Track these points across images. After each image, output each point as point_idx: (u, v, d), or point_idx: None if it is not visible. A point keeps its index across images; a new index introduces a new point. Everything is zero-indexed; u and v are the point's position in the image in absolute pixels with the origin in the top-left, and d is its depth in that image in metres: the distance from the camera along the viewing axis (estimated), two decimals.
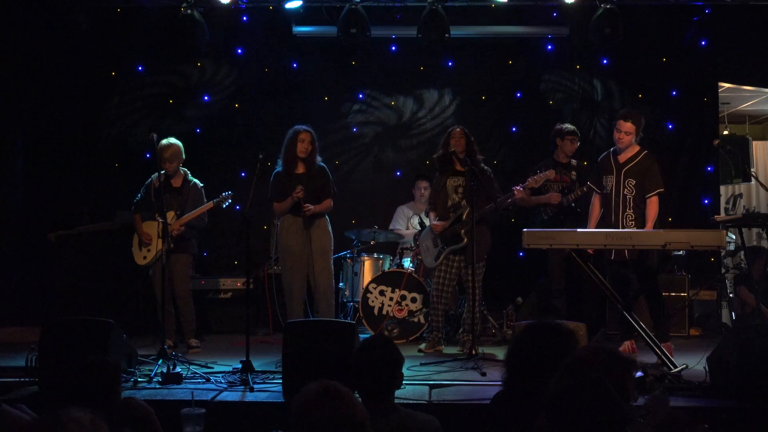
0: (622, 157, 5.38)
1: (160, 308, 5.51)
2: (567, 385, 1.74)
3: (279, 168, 5.75)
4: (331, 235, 5.78)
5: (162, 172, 5.50)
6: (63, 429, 1.68)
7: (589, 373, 1.75)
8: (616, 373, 1.79)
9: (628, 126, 5.28)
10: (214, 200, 5.80)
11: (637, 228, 5.20)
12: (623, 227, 5.25)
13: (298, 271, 5.65)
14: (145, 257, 5.85)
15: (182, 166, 5.96)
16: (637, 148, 5.37)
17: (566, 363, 1.85)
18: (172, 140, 5.86)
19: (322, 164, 5.80)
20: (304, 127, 5.73)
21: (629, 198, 5.31)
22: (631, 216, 5.30)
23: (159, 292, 5.47)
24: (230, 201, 5.82)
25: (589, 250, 5.25)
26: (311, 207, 5.55)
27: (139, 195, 5.95)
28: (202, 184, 6.03)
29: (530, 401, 2.28)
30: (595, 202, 5.58)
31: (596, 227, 5.45)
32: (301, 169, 5.71)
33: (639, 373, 3.78)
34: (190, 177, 5.99)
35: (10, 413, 2.50)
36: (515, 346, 2.48)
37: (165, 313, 5.56)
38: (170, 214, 5.78)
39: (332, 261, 5.82)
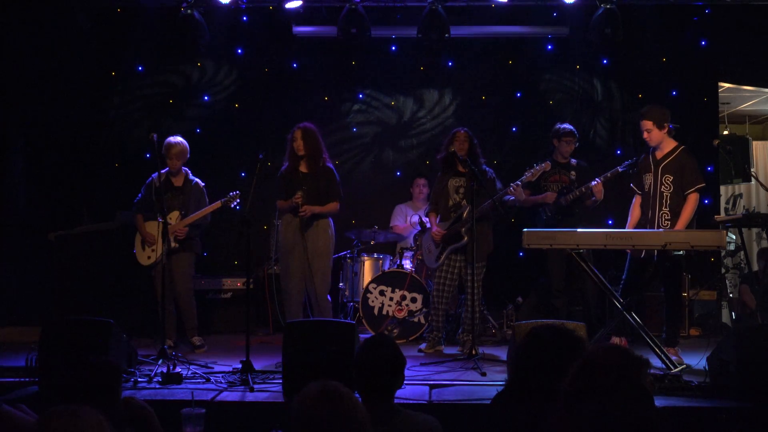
0: (659, 154, 5.32)
1: (160, 308, 5.50)
2: (593, 383, 1.73)
3: (283, 167, 5.74)
4: (331, 236, 5.71)
5: (165, 170, 5.50)
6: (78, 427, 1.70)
7: (620, 373, 1.74)
8: (630, 373, 1.78)
9: (645, 124, 5.27)
10: (222, 200, 5.78)
11: (672, 227, 5.14)
12: (658, 226, 5.19)
13: (295, 272, 5.59)
14: (149, 257, 5.82)
15: (184, 165, 5.96)
16: (673, 144, 5.32)
17: (579, 363, 1.84)
18: (180, 138, 5.87)
19: (329, 165, 5.73)
20: (299, 125, 5.69)
21: (666, 195, 5.23)
22: (667, 215, 5.21)
23: (159, 292, 5.46)
24: (239, 200, 5.78)
25: (628, 249, 5.21)
26: (306, 210, 5.50)
27: (139, 195, 5.94)
28: (203, 183, 6.03)
29: (534, 402, 2.28)
30: (635, 204, 5.48)
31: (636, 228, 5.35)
32: (303, 167, 5.66)
33: None
34: (191, 176, 5.99)
35: (10, 413, 2.50)
36: (521, 348, 2.48)
37: (165, 312, 5.56)
38: (175, 214, 5.78)
39: (330, 263, 5.75)
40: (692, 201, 5.19)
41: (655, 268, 5.24)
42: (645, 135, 5.32)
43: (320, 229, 5.64)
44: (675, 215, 5.21)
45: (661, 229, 5.12)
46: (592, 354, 1.86)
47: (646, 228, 5.26)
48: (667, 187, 5.25)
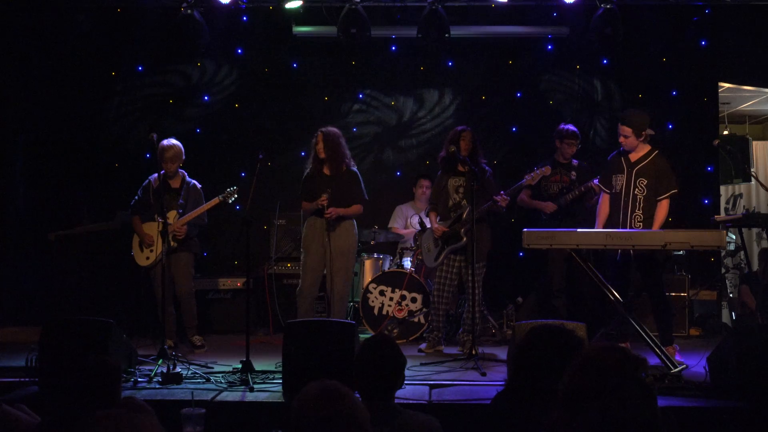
0: (633, 156, 5.31)
1: (160, 308, 5.50)
2: (592, 383, 1.73)
3: (307, 170, 5.82)
4: (355, 237, 5.77)
5: (162, 172, 5.50)
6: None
7: (621, 372, 1.74)
8: (628, 372, 1.78)
9: (624, 129, 5.25)
10: (220, 195, 5.79)
11: (644, 229, 5.14)
12: (630, 228, 5.18)
13: (311, 270, 5.67)
14: (148, 258, 5.82)
15: (181, 167, 5.96)
16: (648, 148, 5.31)
17: (577, 361, 1.84)
18: (174, 141, 5.85)
19: (353, 169, 5.81)
20: (321, 129, 5.77)
21: (640, 198, 5.24)
22: (640, 216, 5.22)
23: (159, 293, 5.46)
24: (236, 196, 5.81)
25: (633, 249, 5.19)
26: (332, 212, 5.56)
27: (136, 197, 5.94)
28: (200, 185, 6.04)
29: (533, 401, 2.28)
30: (604, 202, 5.48)
31: (603, 228, 5.37)
32: (326, 170, 5.74)
33: None
34: (188, 178, 5.99)
35: (10, 413, 2.50)
36: (520, 348, 2.48)
37: (165, 313, 5.56)
38: (172, 214, 5.78)
39: (353, 263, 5.81)
40: (664, 207, 5.22)
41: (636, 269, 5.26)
42: (621, 139, 5.29)
43: (344, 229, 5.70)
44: (648, 218, 5.22)
45: (628, 230, 5.11)
46: (589, 353, 1.86)
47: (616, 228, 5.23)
48: (641, 191, 5.25)
